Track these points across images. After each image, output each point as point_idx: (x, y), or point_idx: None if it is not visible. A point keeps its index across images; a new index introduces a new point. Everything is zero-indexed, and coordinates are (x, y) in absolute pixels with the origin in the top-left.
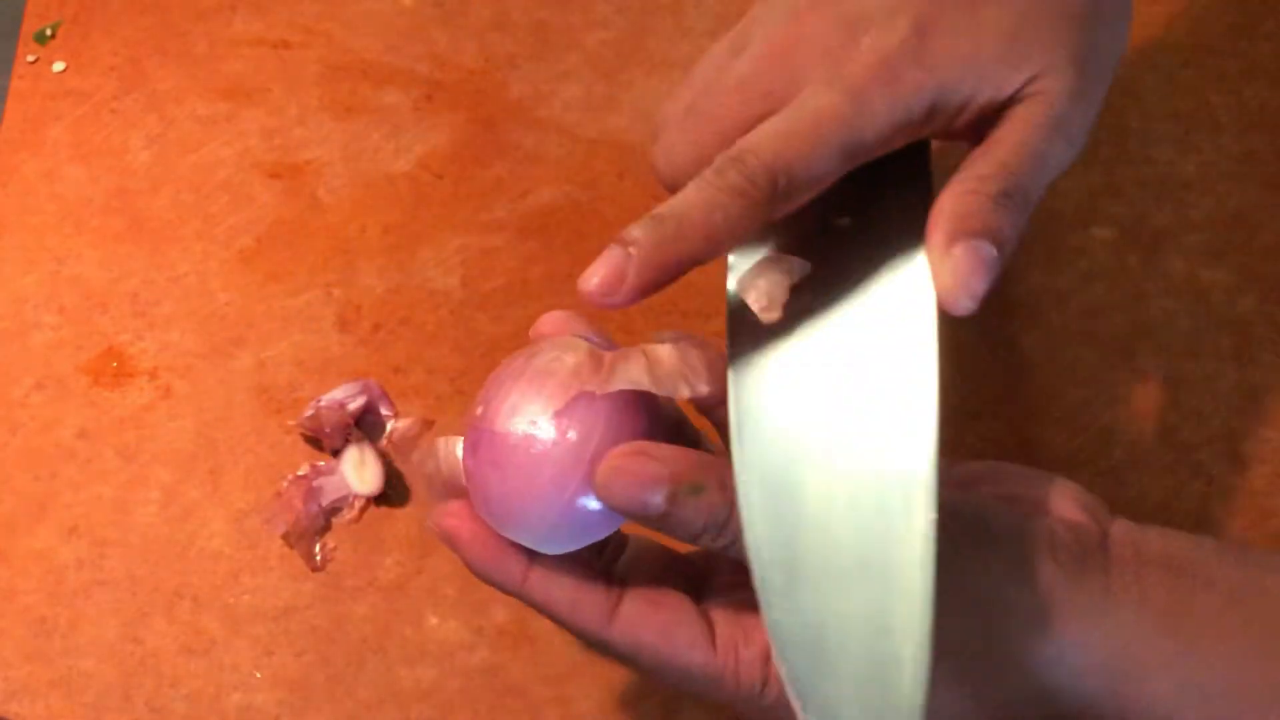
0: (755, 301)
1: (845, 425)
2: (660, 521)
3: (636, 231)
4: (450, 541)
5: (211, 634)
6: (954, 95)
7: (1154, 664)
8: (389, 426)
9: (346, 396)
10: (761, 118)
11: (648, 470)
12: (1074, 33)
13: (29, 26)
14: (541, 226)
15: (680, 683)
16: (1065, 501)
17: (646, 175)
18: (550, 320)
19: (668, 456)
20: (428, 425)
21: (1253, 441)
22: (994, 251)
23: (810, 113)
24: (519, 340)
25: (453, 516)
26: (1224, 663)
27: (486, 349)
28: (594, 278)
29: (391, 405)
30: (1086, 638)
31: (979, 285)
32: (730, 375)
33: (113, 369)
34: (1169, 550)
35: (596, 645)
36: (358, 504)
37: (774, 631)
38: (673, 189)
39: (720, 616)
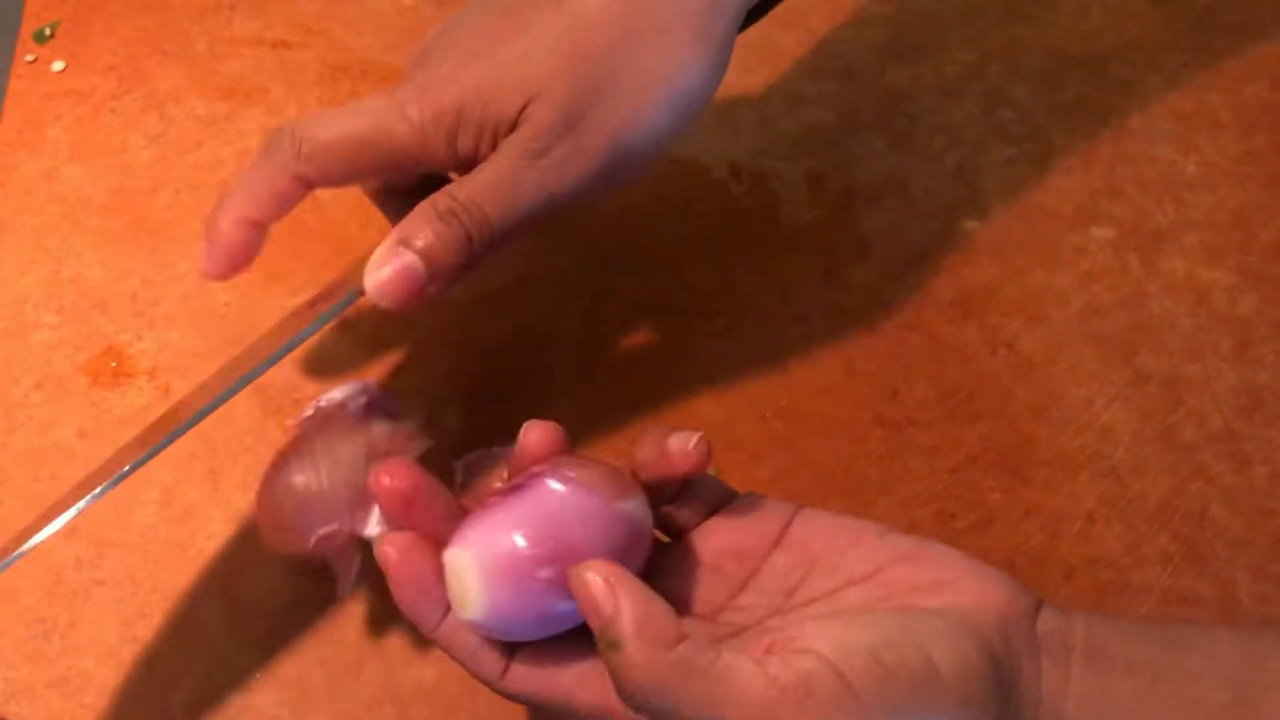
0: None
1: None
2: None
3: (213, 213)
4: (384, 568)
5: (211, 634)
6: (468, 113)
7: None
8: (388, 427)
9: (346, 396)
10: None
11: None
12: (576, 66)
13: (28, 26)
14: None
15: (579, 716)
16: (993, 594)
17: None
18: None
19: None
20: (428, 425)
21: (1253, 441)
22: (419, 265)
23: (362, 106)
24: (519, 340)
25: (393, 546)
26: None
27: (486, 349)
28: (197, 266)
29: (391, 405)
30: None
31: (397, 290)
32: None
33: (112, 369)
34: (1093, 637)
35: (498, 692)
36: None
37: None
38: None
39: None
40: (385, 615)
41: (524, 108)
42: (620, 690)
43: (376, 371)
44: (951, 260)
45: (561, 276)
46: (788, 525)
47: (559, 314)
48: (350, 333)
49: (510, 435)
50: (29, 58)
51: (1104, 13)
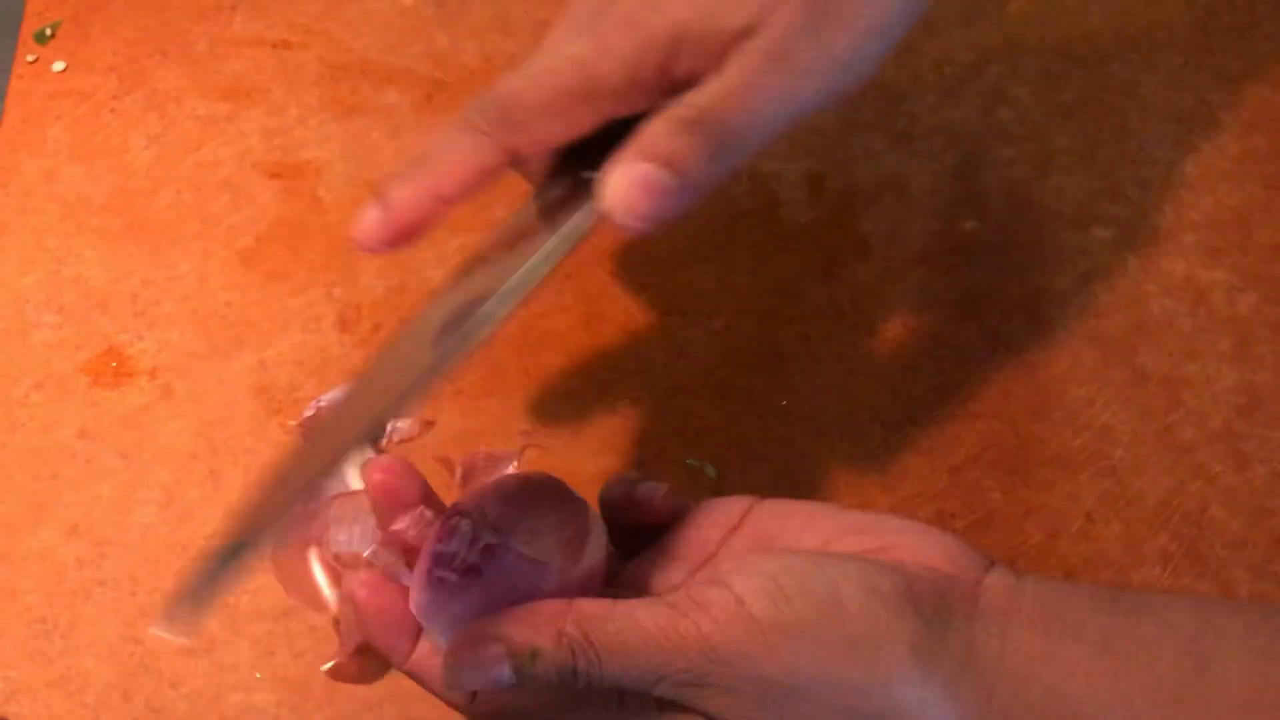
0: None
1: None
2: (525, 686)
3: (391, 182)
4: (355, 605)
5: (211, 634)
6: (688, 32)
7: (1020, 715)
8: (389, 427)
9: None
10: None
11: (485, 655)
12: None
13: (29, 26)
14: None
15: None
16: (936, 553)
17: None
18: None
19: (500, 632)
20: (428, 425)
21: (1252, 441)
22: (666, 175)
23: (553, 57)
24: (518, 339)
25: (362, 585)
26: (1092, 712)
27: (486, 349)
28: (358, 233)
29: None
30: (951, 691)
31: (641, 203)
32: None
33: (112, 369)
34: (1043, 601)
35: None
36: (273, 544)
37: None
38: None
39: None
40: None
41: (757, 13)
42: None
43: None
44: (951, 260)
45: (561, 277)
46: (746, 513)
47: (559, 314)
48: (350, 332)
49: (510, 435)
50: (29, 58)
51: (1104, 13)
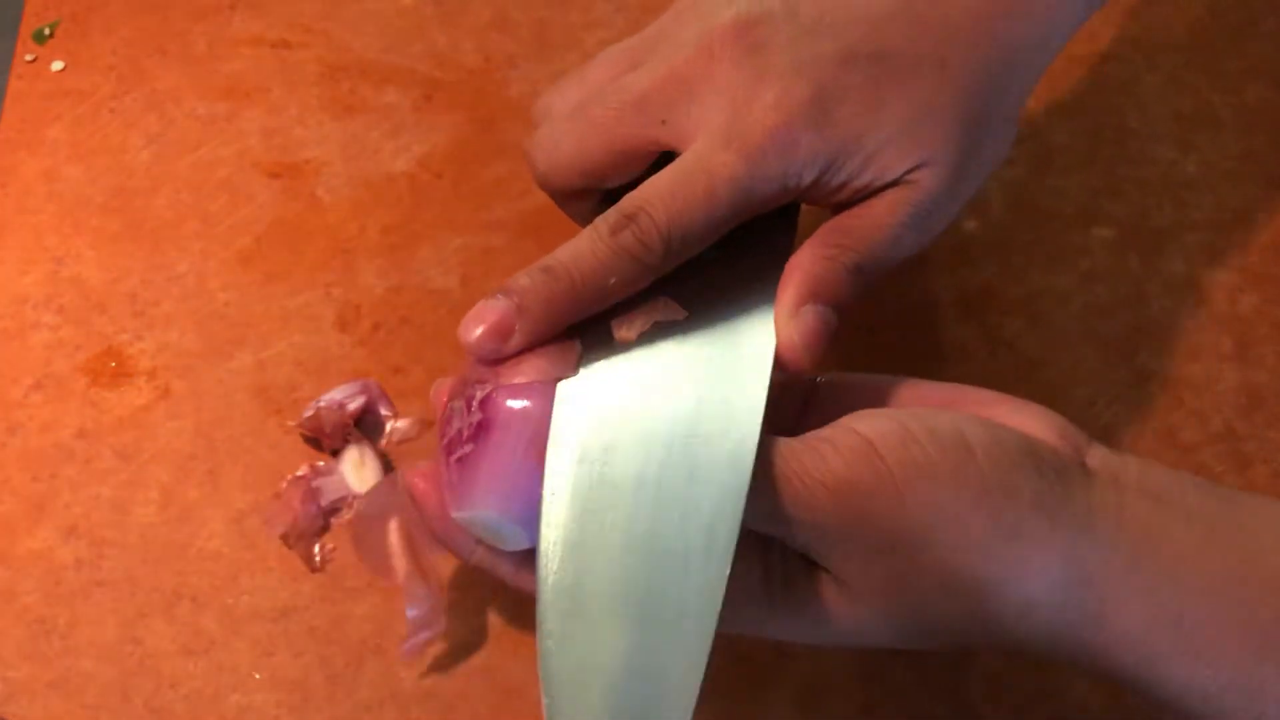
0: (622, 328)
1: (662, 458)
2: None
3: (525, 281)
4: (414, 497)
5: (210, 635)
6: (842, 169)
7: (1125, 595)
8: (389, 427)
9: (346, 396)
10: (653, 141)
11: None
12: (964, 136)
13: (28, 26)
14: (541, 226)
15: None
16: (1043, 425)
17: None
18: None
19: None
20: (427, 425)
21: (1253, 441)
22: (835, 319)
23: (705, 172)
24: None
25: (421, 477)
26: (1201, 596)
27: None
28: (477, 329)
29: (391, 405)
30: (1070, 553)
31: (819, 347)
32: (563, 387)
33: (111, 369)
34: (1149, 479)
35: None
36: (357, 504)
37: (543, 660)
38: (545, 187)
39: None
40: (385, 615)
41: (913, 169)
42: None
43: (376, 372)
44: (951, 260)
45: None
46: (810, 394)
47: None
48: (349, 332)
49: None
50: (29, 58)
51: (1104, 13)
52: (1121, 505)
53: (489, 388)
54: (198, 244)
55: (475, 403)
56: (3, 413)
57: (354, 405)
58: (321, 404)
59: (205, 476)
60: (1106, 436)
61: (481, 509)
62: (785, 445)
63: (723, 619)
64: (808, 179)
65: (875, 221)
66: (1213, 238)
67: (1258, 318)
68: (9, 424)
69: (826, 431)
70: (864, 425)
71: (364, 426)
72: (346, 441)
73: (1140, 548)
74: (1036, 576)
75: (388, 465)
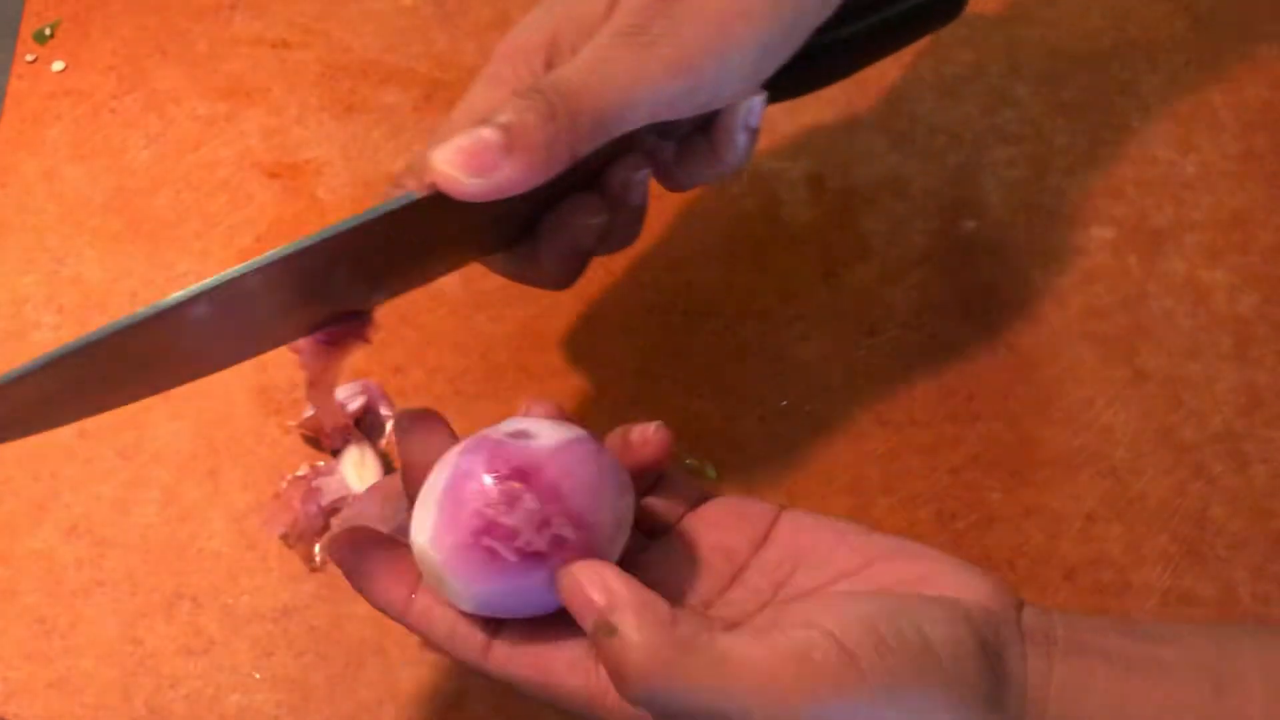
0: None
1: None
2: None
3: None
4: (340, 562)
5: (211, 634)
6: (565, 33)
7: None
8: (389, 426)
9: (346, 396)
10: None
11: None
12: None
13: (28, 26)
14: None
15: (563, 704)
16: (982, 589)
17: None
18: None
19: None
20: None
21: (1253, 441)
22: (494, 134)
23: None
24: (518, 339)
25: (349, 539)
26: None
27: (486, 349)
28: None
29: (391, 405)
30: None
31: (466, 162)
32: None
33: None
34: (1071, 631)
35: (478, 673)
36: (343, 515)
37: None
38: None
39: None
40: (385, 616)
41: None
42: (619, 678)
43: (376, 372)
44: (951, 260)
45: None
46: (773, 524)
47: (559, 314)
48: None
49: None
50: (29, 58)
51: (1104, 13)
52: (1050, 667)
53: (574, 530)
54: (198, 244)
55: (551, 535)
56: None
57: (354, 405)
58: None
59: (206, 476)
60: (1106, 436)
61: (458, 596)
62: (754, 648)
63: None
64: (538, 59)
65: (578, 53)
66: (1213, 238)
67: (1257, 318)
68: None
69: (798, 635)
70: (834, 625)
71: (364, 426)
72: (347, 441)
73: (1066, 704)
74: None
75: (388, 465)
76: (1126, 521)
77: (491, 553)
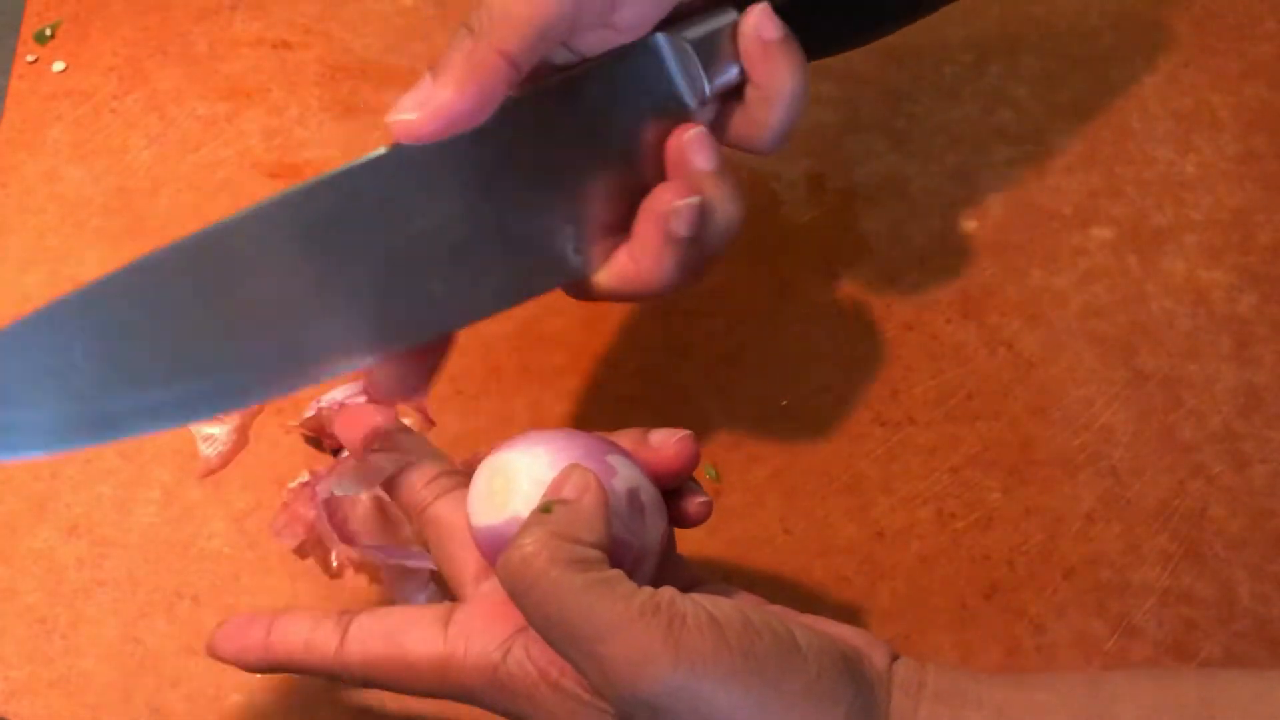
0: None
1: None
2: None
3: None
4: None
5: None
6: None
7: None
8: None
9: (346, 396)
10: None
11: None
12: None
13: (29, 26)
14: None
15: (421, 685)
16: (859, 639)
17: None
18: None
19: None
20: (428, 425)
21: (1252, 441)
22: (426, 75)
23: None
24: (518, 339)
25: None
26: None
27: (486, 348)
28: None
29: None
30: None
31: (403, 100)
32: None
33: None
34: (944, 679)
35: (342, 677)
36: (323, 485)
37: None
38: None
39: (461, 611)
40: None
41: None
42: (505, 558)
43: None
44: (951, 260)
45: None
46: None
47: (560, 314)
48: None
49: (510, 436)
50: (29, 58)
51: (1104, 13)
52: (916, 707)
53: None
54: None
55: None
56: None
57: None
58: (322, 404)
59: (206, 476)
60: (1106, 436)
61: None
62: (637, 601)
63: None
64: None
65: None
66: (1212, 238)
67: (1256, 318)
68: None
69: (679, 603)
70: (710, 604)
71: None
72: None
73: None
74: None
75: None
76: (1126, 521)
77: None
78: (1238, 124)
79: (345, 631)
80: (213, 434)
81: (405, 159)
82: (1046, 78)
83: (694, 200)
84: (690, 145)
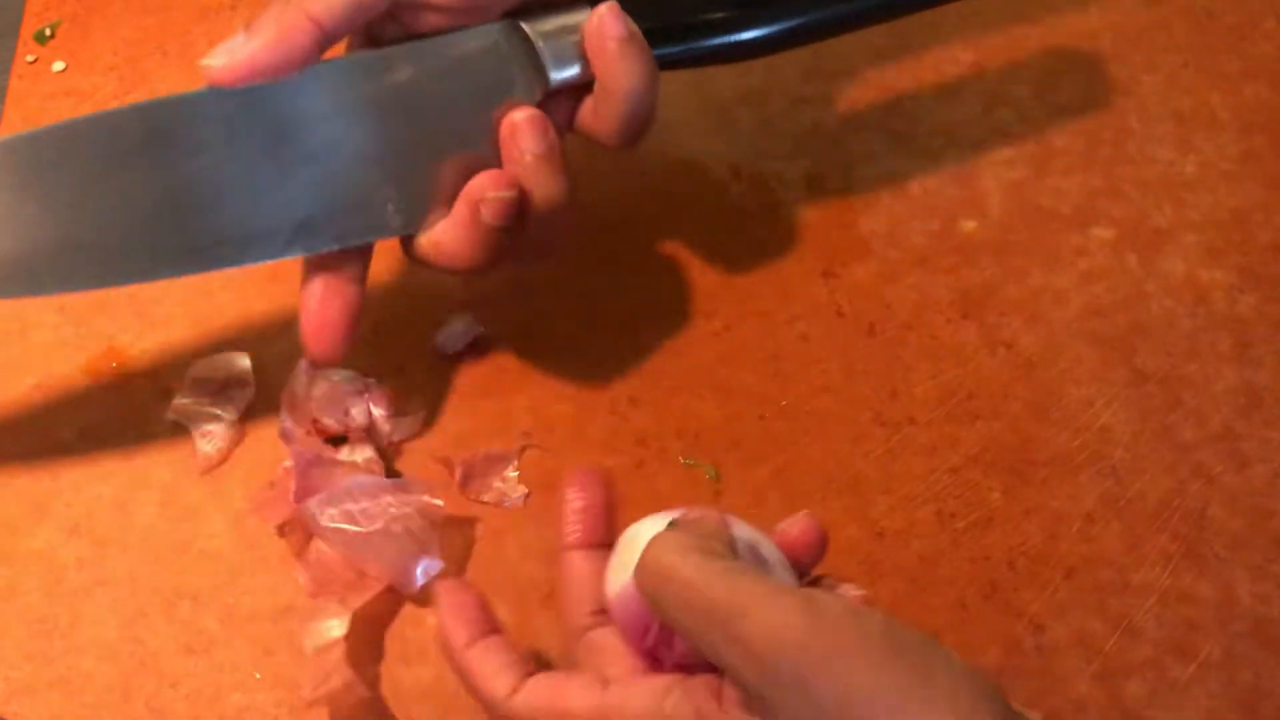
0: None
1: None
2: None
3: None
4: (440, 600)
5: (211, 634)
6: None
7: None
8: (388, 428)
9: (346, 396)
10: None
11: None
12: None
13: (29, 26)
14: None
15: None
16: None
17: (646, 173)
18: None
19: None
20: (427, 425)
21: (1252, 441)
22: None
23: None
24: (518, 339)
25: (446, 588)
26: None
27: (486, 349)
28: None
29: (391, 405)
30: None
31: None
32: None
33: (113, 369)
34: None
35: (498, 714)
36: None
37: None
38: None
39: (619, 680)
40: (385, 616)
41: None
42: (643, 561)
43: (376, 372)
44: (951, 260)
45: (561, 277)
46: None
47: (559, 314)
48: None
49: (510, 435)
50: (29, 58)
51: (1104, 13)
52: None
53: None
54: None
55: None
56: (4, 412)
57: (355, 406)
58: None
59: (206, 476)
60: (1106, 436)
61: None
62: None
63: None
64: None
65: None
66: (1212, 238)
67: (1256, 318)
68: (10, 423)
69: (818, 593)
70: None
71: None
72: (346, 441)
73: None
74: None
75: (388, 465)
76: (1126, 521)
77: (653, 656)
78: (1238, 124)
79: (521, 684)
80: (210, 430)
81: (221, 96)
82: (1046, 78)
83: (506, 194)
84: (518, 128)
